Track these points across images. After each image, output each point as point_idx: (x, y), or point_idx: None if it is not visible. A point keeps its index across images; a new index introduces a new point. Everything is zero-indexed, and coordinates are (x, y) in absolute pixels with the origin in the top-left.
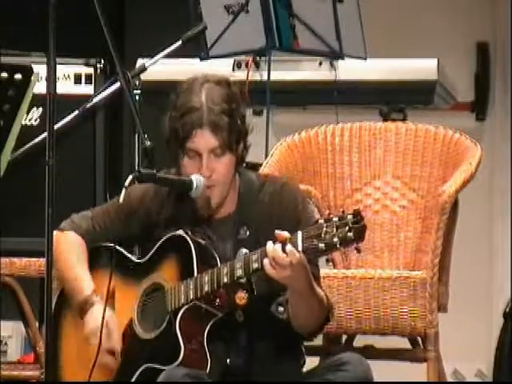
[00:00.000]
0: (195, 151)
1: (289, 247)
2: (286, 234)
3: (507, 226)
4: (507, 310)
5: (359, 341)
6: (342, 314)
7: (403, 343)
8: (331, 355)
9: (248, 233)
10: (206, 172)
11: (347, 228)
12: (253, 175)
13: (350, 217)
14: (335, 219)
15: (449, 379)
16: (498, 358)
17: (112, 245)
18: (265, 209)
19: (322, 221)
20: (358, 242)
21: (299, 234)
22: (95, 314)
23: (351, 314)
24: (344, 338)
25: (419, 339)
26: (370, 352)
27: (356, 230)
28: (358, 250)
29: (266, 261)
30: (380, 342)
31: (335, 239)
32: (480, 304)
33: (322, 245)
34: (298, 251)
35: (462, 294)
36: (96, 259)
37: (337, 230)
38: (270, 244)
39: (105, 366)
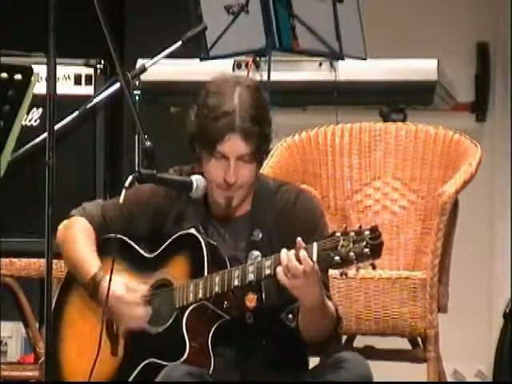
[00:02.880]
0: (223, 155)
1: (303, 256)
2: (302, 243)
3: (507, 226)
4: (507, 310)
5: (359, 341)
6: (342, 314)
7: (403, 343)
8: (331, 355)
9: (261, 235)
10: (232, 177)
11: (364, 243)
12: (269, 179)
13: (367, 232)
14: (352, 234)
15: (449, 379)
16: (498, 358)
17: (121, 236)
18: (278, 214)
19: (338, 234)
20: (373, 259)
21: (315, 245)
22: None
23: (351, 314)
24: (344, 338)
25: (419, 339)
26: (370, 352)
27: (373, 246)
28: (373, 267)
29: (279, 269)
30: (380, 342)
31: (351, 253)
32: (480, 304)
33: (337, 258)
34: (313, 262)
35: (462, 295)
36: (105, 250)
37: (353, 245)
38: (284, 251)
39: (137, 318)
